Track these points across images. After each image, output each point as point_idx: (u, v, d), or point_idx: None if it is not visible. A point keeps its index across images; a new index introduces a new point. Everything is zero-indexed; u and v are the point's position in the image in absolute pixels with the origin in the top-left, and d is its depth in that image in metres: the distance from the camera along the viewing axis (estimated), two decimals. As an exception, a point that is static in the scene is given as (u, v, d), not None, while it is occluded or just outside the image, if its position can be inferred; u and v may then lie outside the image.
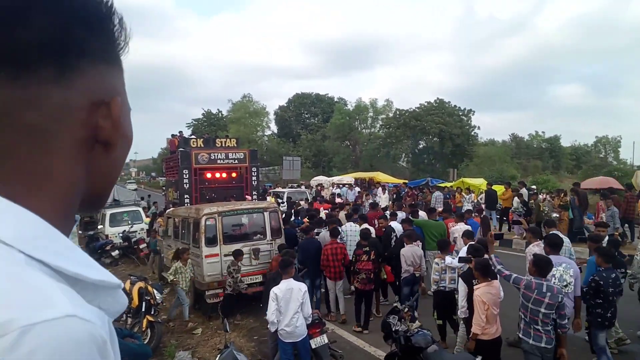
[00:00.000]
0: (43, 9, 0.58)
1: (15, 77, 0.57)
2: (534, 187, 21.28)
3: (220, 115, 66.82)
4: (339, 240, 9.22)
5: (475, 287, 5.78)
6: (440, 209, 13.70)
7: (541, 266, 5.30)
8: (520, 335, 5.39)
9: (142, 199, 24.17)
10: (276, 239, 9.67)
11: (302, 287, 6.09)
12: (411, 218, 10.51)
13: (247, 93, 61.12)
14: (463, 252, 6.90)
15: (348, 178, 28.12)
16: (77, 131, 0.62)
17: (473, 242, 7.24)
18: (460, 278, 6.45)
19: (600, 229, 8.54)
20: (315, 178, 31.38)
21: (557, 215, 12.96)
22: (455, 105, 46.96)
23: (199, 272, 9.17)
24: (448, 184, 26.08)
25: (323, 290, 9.33)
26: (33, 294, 0.50)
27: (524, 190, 16.17)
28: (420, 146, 47.62)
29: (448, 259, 7.32)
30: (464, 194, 18.68)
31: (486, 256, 6.19)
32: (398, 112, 48.25)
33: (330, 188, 25.57)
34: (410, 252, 8.27)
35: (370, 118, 54.85)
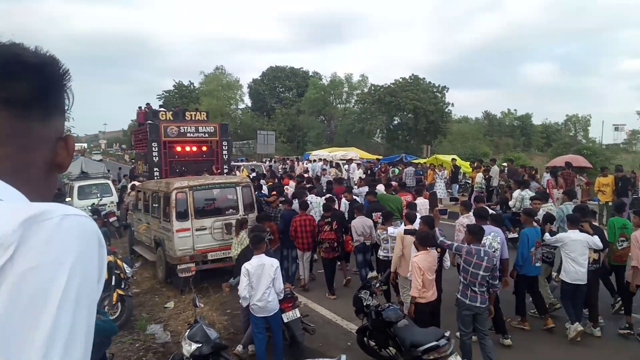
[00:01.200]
0: (38, 73, 0.88)
1: (20, 114, 0.87)
2: (504, 164, 21.69)
3: (192, 87, 65.34)
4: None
5: (414, 255, 6.31)
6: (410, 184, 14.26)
7: (476, 232, 6.03)
8: (459, 296, 5.95)
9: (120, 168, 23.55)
10: (249, 214, 9.60)
11: (274, 262, 6.06)
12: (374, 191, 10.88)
13: (220, 65, 59.72)
14: (416, 225, 7.35)
15: (353, 154, 27.69)
16: (47, 154, 0.92)
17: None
18: (413, 245, 6.69)
19: (536, 202, 8.88)
20: (315, 153, 30.29)
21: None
22: (429, 82, 47.03)
23: (170, 246, 9.07)
24: (422, 160, 26.34)
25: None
26: (59, 204, 0.78)
27: (494, 168, 16.43)
28: (395, 122, 47.70)
29: (390, 229, 7.87)
30: (437, 170, 18.89)
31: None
32: (373, 88, 48.07)
33: (305, 164, 25.50)
34: (360, 223, 8.69)
35: (345, 93, 54.59)
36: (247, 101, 63.11)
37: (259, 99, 61.25)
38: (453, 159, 20.92)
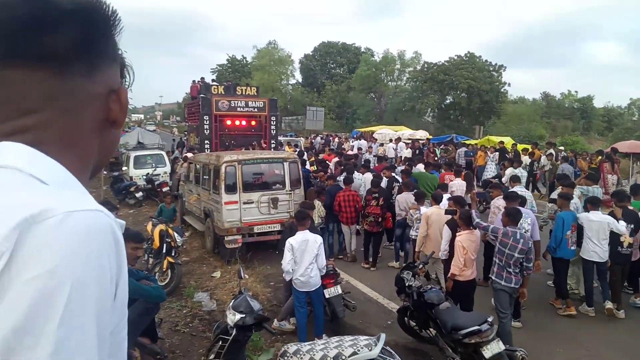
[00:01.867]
0: (76, 21, 0.77)
1: (59, 71, 0.77)
2: (561, 147, 20.75)
3: (244, 61, 66.02)
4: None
5: (457, 234, 6.38)
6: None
7: (513, 214, 6.13)
8: (494, 277, 6.03)
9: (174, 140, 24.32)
10: (295, 190, 9.71)
11: (318, 239, 6.14)
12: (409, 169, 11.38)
13: (273, 40, 59.89)
14: (444, 204, 7.59)
15: (422, 132, 27.08)
16: (97, 113, 0.84)
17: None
18: (445, 225, 6.92)
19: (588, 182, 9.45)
20: (381, 131, 29.05)
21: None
22: (486, 60, 45.28)
23: (218, 217, 9.33)
24: (473, 142, 25.62)
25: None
26: (70, 194, 0.71)
27: (552, 151, 15.76)
28: (447, 101, 46.45)
29: (423, 208, 8.00)
30: (488, 153, 18.31)
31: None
32: (426, 66, 46.83)
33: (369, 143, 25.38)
34: (404, 198, 9.01)
35: (397, 70, 53.54)
36: (298, 76, 63.18)
37: (309, 74, 61.11)
38: (500, 142, 20.18)
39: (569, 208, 7.35)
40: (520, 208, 6.91)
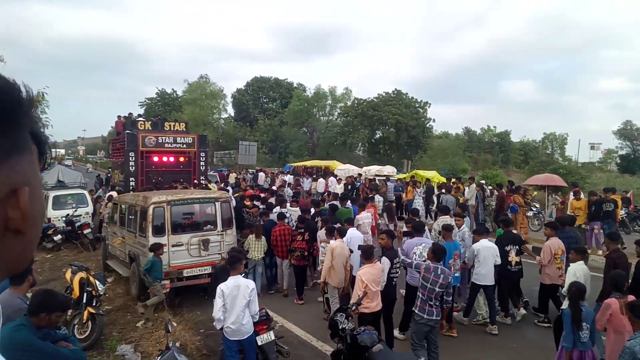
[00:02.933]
0: None
1: None
2: (482, 181, 21.93)
3: (175, 95, 64.76)
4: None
5: (360, 268, 6.71)
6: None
7: (437, 253, 6.50)
8: (417, 311, 6.36)
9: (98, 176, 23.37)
10: (227, 230, 9.50)
11: (250, 284, 5.99)
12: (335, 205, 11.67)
13: (205, 74, 58.98)
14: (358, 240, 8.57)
15: (389, 168, 26.89)
16: None
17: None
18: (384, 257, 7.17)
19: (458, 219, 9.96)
20: (343, 167, 27.74)
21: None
22: (412, 97, 47.52)
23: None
24: (402, 175, 26.47)
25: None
26: None
27: (472, 186, 16.59)
28: (377, 136, 48.02)
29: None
30: (416, 187, 18.96)
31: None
32: (356, 101, 48.40)
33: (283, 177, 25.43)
34: (323, 233, 9.31)
35: (328, 106, 54.75)
36: (231, 111, 62.83)
37: (242, 109, 61.00)
38: (427, 180, 21.03)
39: (452, 238, 7.98)
40: (424, 239, 7.79)
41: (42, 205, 0.77)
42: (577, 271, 6.87)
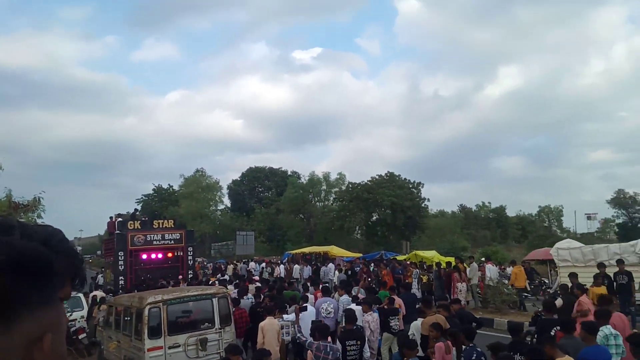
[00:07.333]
0: None
1: None
2: (483, 259, 21.75)
3: (171, 190, 65.69)
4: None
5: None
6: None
7: (322, 332, 7.02)
8: None
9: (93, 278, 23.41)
10: (225, 327, 9.23)
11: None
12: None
13: (200, 167, 60.41)
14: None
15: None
16: None
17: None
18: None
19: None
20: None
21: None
22: (405, 178, 48.47)
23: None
24: (402, 257, 26.24)
25: None
26: None
27: (474, 265, 16.45)
28: (374, 218, 48.23)
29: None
30: (411, 268, 18.71)
31: None
32: (350, 185, 49.20)
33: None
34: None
35: (323, 191, 55.52)
36: (227, 202, 63.47)
37: (238, 199, 61.70)
38: (421, 261, 20.90)
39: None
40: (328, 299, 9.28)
41: (63, 350, 0.86)
42: None
